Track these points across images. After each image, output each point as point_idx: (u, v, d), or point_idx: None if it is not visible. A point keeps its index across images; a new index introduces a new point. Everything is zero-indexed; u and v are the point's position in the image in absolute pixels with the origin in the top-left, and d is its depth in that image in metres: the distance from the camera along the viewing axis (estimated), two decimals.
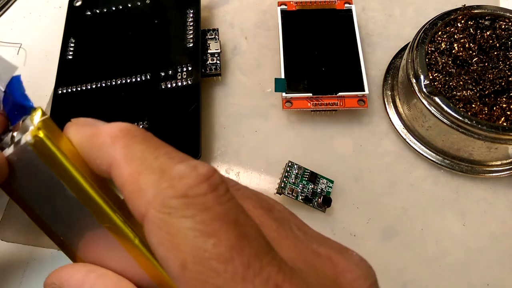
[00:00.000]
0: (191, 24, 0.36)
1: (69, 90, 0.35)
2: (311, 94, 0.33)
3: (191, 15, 0.36)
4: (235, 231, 0.12)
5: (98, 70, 0.35)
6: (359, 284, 0.14)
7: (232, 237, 0.12)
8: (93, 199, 0.15)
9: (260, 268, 0.12)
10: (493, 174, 0.32)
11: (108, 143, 0.14)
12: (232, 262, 0.12)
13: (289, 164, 0.31)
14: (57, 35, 0.38)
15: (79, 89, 0.34)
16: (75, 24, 0.38)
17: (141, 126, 0.32)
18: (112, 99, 0.34)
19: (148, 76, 0.34)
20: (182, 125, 0.32)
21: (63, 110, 0.34)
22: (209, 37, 0.36)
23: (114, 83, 0.34)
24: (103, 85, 0.34)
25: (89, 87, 0.34)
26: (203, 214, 0.12)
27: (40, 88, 0.37)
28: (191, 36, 0.35)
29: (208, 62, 0.35)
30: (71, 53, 0.36)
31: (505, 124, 0.29)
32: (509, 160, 0.32)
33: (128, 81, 0.34)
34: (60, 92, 0.35)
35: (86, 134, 0.15)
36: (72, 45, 0.37)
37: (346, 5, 0.37)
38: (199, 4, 0.37)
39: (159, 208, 0.12)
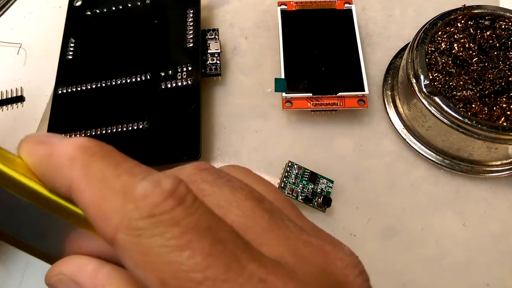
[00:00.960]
0: (191, 24, 0.36)
1: (69, 90, 0.35)
2: (311, 94, 0.33)
3: (191, 15, 0.36)
4: (208, 238, 0.12)
5: (98, 70, 0.35)
6: (349, 271, 0.14)
7: (206, 245, 0.12)
8: (45, 197, 0.14)
9: (240, 267, 0.12)
10: (493, 174, 0.32)
11: (66, 165, 0.13)
12: (211, 268, 0.12)
13: (289, 164, 0.31)
14: (57, 35, 0.38)
15: (79, 89, 0.34)
16: (75, 24, 0.38)
17: (141, 126, 0.32)
18: (112, 99, 0.34)
19: (148, 76, 0.34)
20: (182, 125, 0.32)
21: (63, 110, 0.34)
22: (209, 37, 0.36)
23: (114, 83, 0.34)
24: (103, 85, 0.34)
25: (89, 87, 0.34)
26: (173, 229, 0.12)
27: (40, 88, 0.37)
28: (191, 36, 0.35)
29: (208, 62, 0.35)
30: (71, 53, 0.36)
31: (505, 124, 0.29)
32: (509, 160, 0.32)
33: (128, 81, 0.34)
34: (60, 92, 0.35)
35: (40, 154, 0.14)
36: (72, 45, 0.37)
37: (346, 5, 0.37)
38: (199, 4, 0.37)
39: (128, 231, 0.12)
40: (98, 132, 0.32)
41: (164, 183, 0.13)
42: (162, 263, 0.12)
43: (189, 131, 0.32)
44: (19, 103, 0.37)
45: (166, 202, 0.12)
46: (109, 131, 0.32)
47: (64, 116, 0.34)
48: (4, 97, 0.37)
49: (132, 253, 0.12)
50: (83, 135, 0.32)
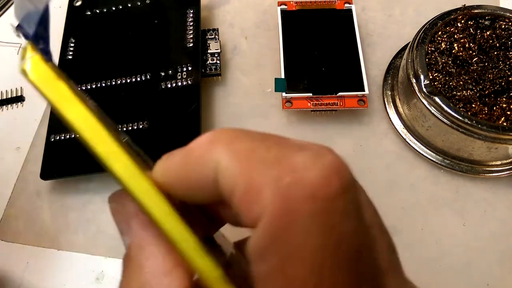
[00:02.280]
0: (191, 24, 0.36)
1: None
2: (311, 94, 0.33)
3: (191, 15, 0.36)
4: (352, 274, 0.10)
5: (98, 70, 0.35)
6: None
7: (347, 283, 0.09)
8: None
9: None
10: (493, 174, 0.32)
11: (207, 150, 0.12)
12: None
13: None
14: (57, 35, 0.38)
15: (79, 89, 0.34)
16: (75, 24, 0.38)
17: (141, 126, 0.32)
18: (112, 99, 0.34)
19: (148, 76, 0.34)
20: (182, 125, 0.32)
21: None
22: (209, 37, 0.36)
23: (114, 83, 0.34)
24: (103, 85, 0.34)
25: (89, 87, 0.34)
26: (325, 237, 0.09)
27: None
28: (191, 36, 0.35)
29: (208, 62, 0.35)
30: (71, 53, 0.36)
31: (505, 124, 0.29)
32: (509, 160, 0.32)
33: (128, 81, 0.34)
34: None
35: (178, 158, 0.13)
36: (72, 45, 0.37)
37: (346, 5, 0.37)
38: (199, 4, 0.37)
39: (280, 213, 0.10)
40: None
41: (326, 157, 0.11)
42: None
43: (189, 131, 0.32)
44: (19, 103, 0.38)
45: (330, 184, 0.10)
46: None
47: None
48: (4, 97, 0.37)
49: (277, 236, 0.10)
50: None
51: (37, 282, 0.30)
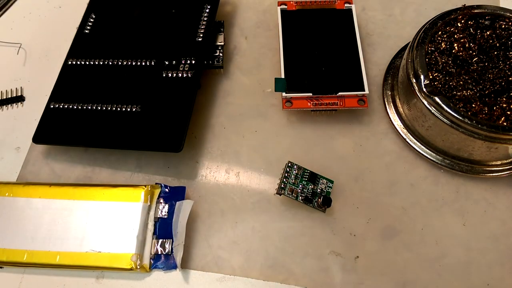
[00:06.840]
0: (205, 19, 0.36)
1: (78, 63, 0.36)
2: (311, 94, 0.33)
3: (207, 11, 0.37)
4: None
5: (108, 48, 0.37)
6: None
7: None
8: None
9: None
10: (493, 174, 0.32)
11: None
12: None
13: (289, 164, 0.31)
14: (57, 35, 0.38)
15: (87, 63, 0.36)
16: (99, 1, 0.40)
17: (134, 110, 0.33)
18: (114, 78, 0.35)
19: (153, 63, 0.35)
20: (172, 116, 0.32)
21: (68, 81, 0.36)
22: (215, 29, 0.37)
23: (119, 63, 0.36)
24: (110, 63, 0.36)
25: (96, 62, 0.36)
26: None
27: (40, 88, 0.37)
28: (202, 31, 0.35)
29: (211, 54, 0.36)
30: (88, 27, 0.38)
31: (505, 124, 0.29)
32: (509, 160, 0.32)
33: (134, 64, 0.35)
34: (70, 63, 0.37)
35: None
36: (92, 20, 0.39)
37: (346, 5, 0.37)
38: (217, 2, 0.37)
39: None
40: (94, 108, 0.34)
41: None
42: None
43: (176, 124, 0.32)
44: (19, 103, 0.38)
45: None
46: (104, 108, 0.34)
47: (67, 88, 0.36)
48: (4, 97, 0.37)
49: None
50: (79, 107, 0.34)
51: (37, 282, 0.30)
